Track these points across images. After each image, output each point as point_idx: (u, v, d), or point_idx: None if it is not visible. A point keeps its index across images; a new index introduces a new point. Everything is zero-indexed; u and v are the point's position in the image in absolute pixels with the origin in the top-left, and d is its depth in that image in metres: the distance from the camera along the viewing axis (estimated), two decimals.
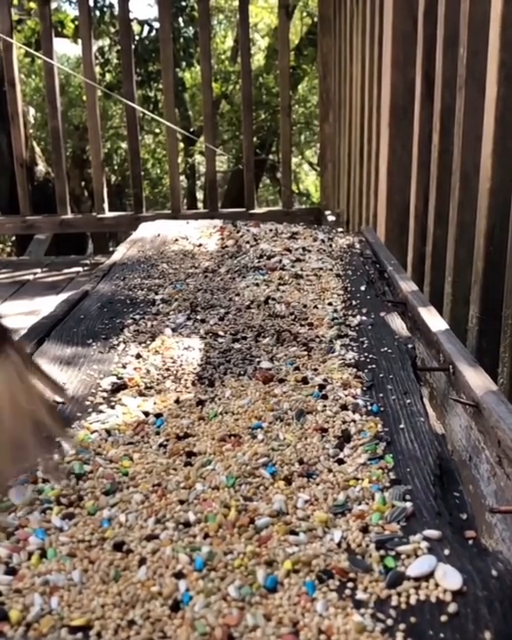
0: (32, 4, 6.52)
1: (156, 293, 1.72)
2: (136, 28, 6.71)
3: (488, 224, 1.59)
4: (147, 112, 5.52)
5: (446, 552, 0.76)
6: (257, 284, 1.76)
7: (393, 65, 2.39)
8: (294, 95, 9.68)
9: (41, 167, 6.34)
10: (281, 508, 0.85)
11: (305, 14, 9.61)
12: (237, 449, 0.99)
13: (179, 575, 0.74)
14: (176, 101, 4.70)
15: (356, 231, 2.75)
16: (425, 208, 2.14)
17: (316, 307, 1.59)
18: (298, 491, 0.89)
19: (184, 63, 7.10)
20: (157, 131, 10.19)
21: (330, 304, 1.61)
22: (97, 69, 5.94)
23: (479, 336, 1.65)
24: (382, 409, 1.11)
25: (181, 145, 9.09)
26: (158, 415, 1.11)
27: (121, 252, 2.18)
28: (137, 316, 1.56)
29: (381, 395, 1.16)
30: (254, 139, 5.98)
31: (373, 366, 1.27)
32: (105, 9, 6.84)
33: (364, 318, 1.52)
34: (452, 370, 1.32)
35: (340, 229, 2.54)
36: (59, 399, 1.06)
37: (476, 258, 1.65)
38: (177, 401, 1.16)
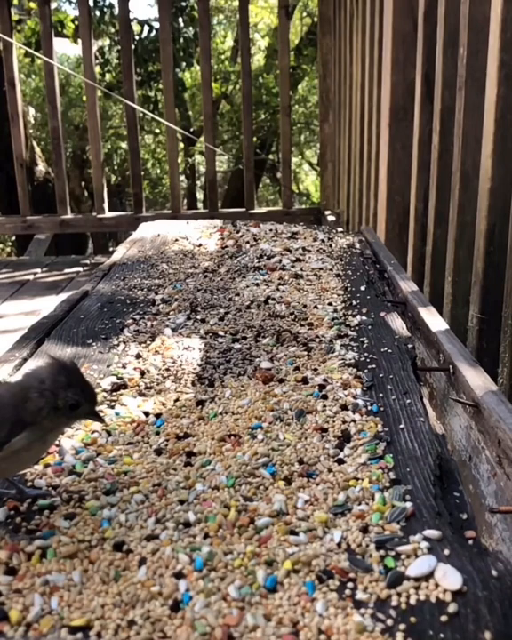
0: (32, 4, 6.53)
1: (156, 293, 1.72)
2: (136, 28, 6.72)
3: (488, 224, 1.59)
4: (147, 112, 5.52)
5: (446, 552, 0.76)
6: (257, 284, 1.76)
7: (393, 65, 2.40)
8: (294, 95, 9.69)
9: (41, 167, 6.34)
10: (281, 507, 0.85)
11: (305, 14, 9.61)
12: (237, 449, 0.99)
13: (179, 575, 0.74)
14: (176, 101, 4.70)
15: (356, 231, 2.75)
16: (425, 208, 2.14)
17: (316, 307, 1.59)
18: (298, 491, 0.89)
19: (184, 63, 7.10)
20: (157, 131, 10.19)
21: (330, 304, 1.61)
22: (97, 69, 5.94)
23: (479, 336, 1.65)
24: (382, 409, 1.11)
25: (181, 145, 9.09)
26: (158, 415, 1.11)
27: (121, 252, 2.18)
28: (137, 316, 1.56)
29: (381, 395, 1.16)
30: (254, 139, 5.99)
31: (373, 366, 1.27)
32: (105, 9, 6.84)
33: (364, 318, 1.52)
34: (452, 370, 1.32)
35: (339, 229, 2.55)
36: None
37: (476, 258, 1.65)
38: (177, 401, 1.16)
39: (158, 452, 1.00)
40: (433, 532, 0.79)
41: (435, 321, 1.54)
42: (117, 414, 1.11)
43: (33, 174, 6.08)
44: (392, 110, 2.43)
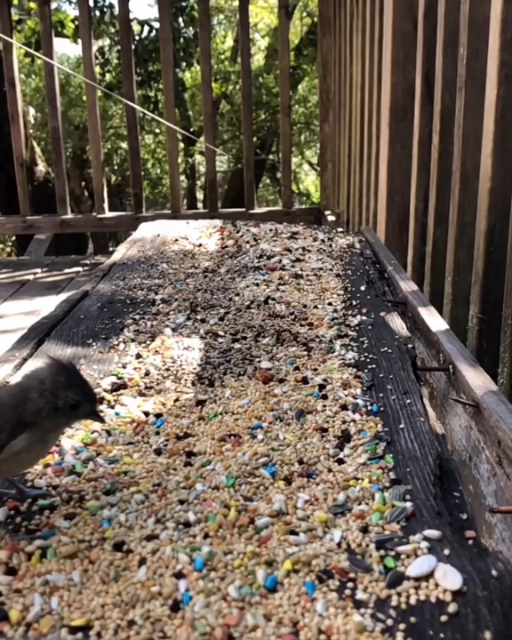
0: (32, 4, 6.53)
1: (156, 293, 1.72)
2: (136, 28, 6.71)
3: (488, 224, 1.59)
4: (147, 112, 5.52)
5: (446, 552, 0.76)
6: (257, 284, 1.76)
7: (393, 65, 2.40)
8: (294, 95, 9.69)
9: (41, 167, 6.34)
10: (281, 507, 0.85)
11: (305, 14, 9.62)
12: (237, 449, 0.99)
13: (179, 575, 0.74)
14: (176, 101, 4.70)
15: (356, 231, 2.75)
16: (425, 208, 2.14)
17: (316, 307, 1.59)
18: (298, 491, 0.89)
19: (184, 63, 7.10)
20: (157, 131, 10.19)
21: (330, 304, 1.61)
22: (97, 69, 5.94)
23: (479, 336, 1.65)
24: (382, 409, 1.11)
25: (181, 145, 9.09)
26: (158, 415, 1.11)
27: (121, 252, 2.18)
28: (137, 316, 1.56)
29: (381, 395, 1.16)
30: (254, 139, 5.99)
31: (373, 366, 1.27)
32: (105, 9, 6.84)
33: (364, 318, 1.52)
34: (452, 370, 1.32)
35: (340, 229, 2.54)
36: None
37: (476, 258, 1.65)
38: (177, 401, 1.16)
39: (158, 451, 1.00)
40: (433, 532, 0.79)
41: (435, 321, 1.54)
42: (117, 414, 1.11)
43: (33, 174, 6.08)
44: (392, 110, 2.43)
